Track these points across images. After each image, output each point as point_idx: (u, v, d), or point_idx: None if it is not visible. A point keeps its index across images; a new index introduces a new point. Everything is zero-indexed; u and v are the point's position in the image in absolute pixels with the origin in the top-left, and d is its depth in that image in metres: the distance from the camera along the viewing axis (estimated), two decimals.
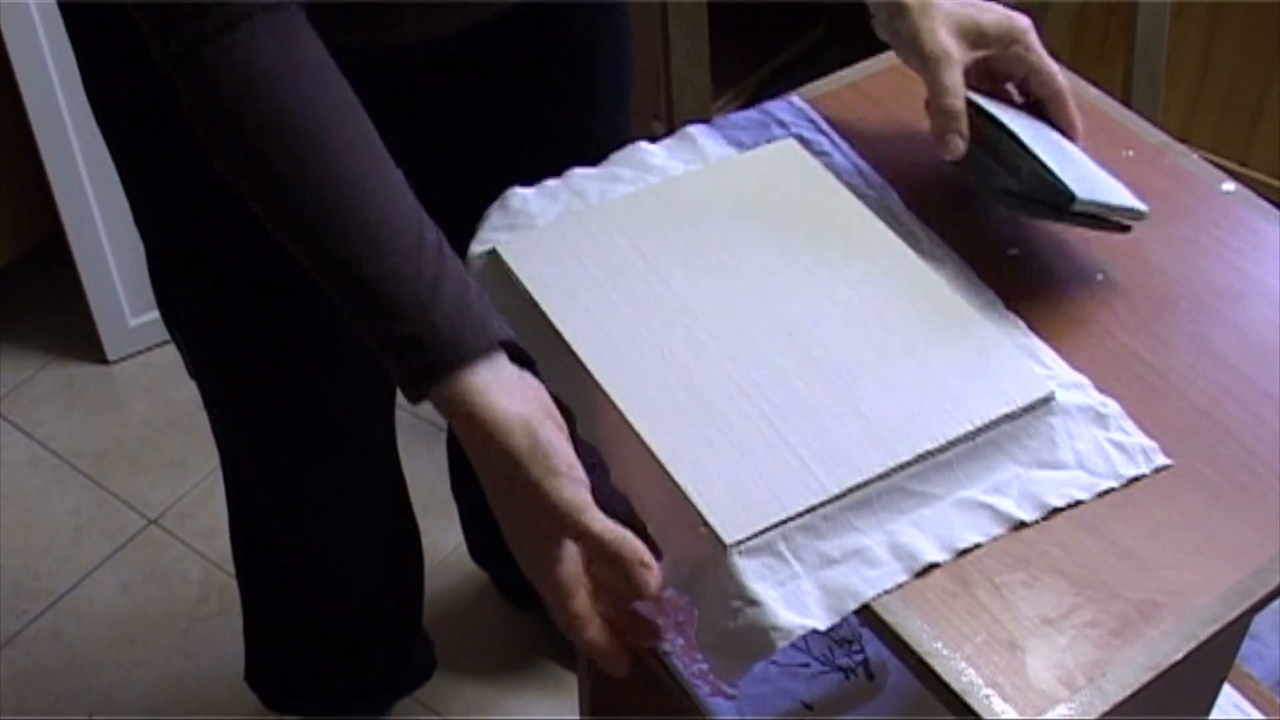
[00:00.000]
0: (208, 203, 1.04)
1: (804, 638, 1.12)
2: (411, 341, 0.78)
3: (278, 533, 1.40)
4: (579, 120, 1.17)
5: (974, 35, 0.94)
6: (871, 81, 1.09)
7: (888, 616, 0.76)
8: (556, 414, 0.80)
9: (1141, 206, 0.93)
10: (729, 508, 0.78)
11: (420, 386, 0.79)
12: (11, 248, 2.11)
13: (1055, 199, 0.90)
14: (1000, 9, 0.95)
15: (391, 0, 0.94)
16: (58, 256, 1.97)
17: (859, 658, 1.12)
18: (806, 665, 1.11)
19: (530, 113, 1.15)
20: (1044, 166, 0.91)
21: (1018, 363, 0.86)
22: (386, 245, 0.78)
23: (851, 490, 0.79)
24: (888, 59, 1.11)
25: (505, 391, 0.78)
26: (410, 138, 0.88)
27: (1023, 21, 0.95)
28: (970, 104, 0.94)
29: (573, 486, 0.77)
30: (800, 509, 0.78)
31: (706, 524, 0.78)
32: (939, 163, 1.01)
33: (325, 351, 1.19)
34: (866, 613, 0.77)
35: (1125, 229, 0.94)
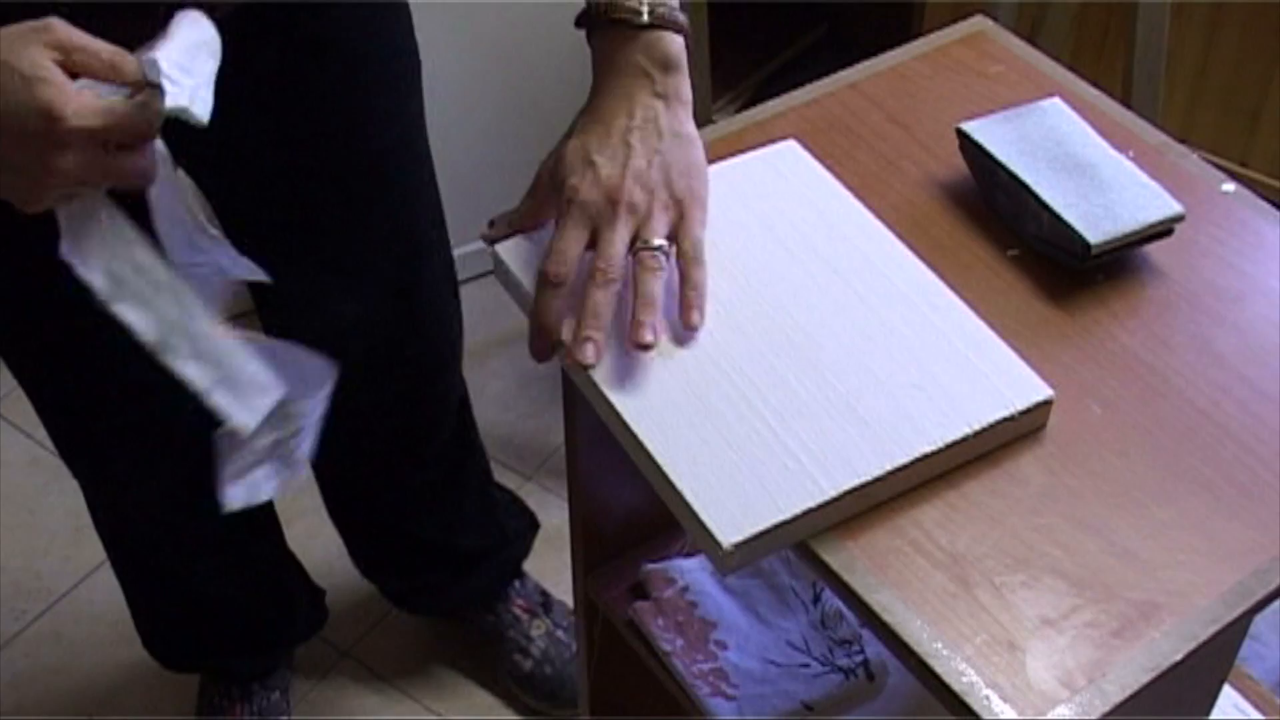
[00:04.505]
0: None
1: (804, 638, 1.13)
2: None
3: (112, 522, 1.43)
4: (348, 120, 1.17)
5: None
6: (871, 81, 1.09)
7: (888, 617, 0.76)
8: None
9: (1173, 211, 0.93)
10: (725, 509, 0.78)
11: None
12: None
13: (1074, 248, 0.91)
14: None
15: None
16: None
17: (859, 658, 1.12)
18: (806, 666, 1.11)
19: (295, 115, 1.14)
20: (1058, 217, 0.92)
21: (1016, 366, 0.86)
22: None
23: (849, 492, 0.79)
24: (888, 59, 1.11)
25: None
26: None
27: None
28: (990, 157, 0.95)
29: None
30: (797, 511, 0.78)
31: (703, 525, 0.78)
32: (939, 163, 1.02)
33: (101, 329, 1.21)
34: (866, 613, 0.77)
35: (1166, 234, 0.94)
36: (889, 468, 0.80)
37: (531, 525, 1.72)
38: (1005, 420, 0.83)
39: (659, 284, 0.84)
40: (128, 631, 1.61)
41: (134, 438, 1.31)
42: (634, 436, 0.82)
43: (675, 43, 0.89)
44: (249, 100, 1.13)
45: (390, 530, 1.58)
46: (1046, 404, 0.84)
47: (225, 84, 1.10)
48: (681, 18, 0.89)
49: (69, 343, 1.19)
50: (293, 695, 1.71)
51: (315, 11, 1.09)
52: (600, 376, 0.85)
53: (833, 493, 0.79)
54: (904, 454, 0.80)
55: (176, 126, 0.83)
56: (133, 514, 1.41)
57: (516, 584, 1.71)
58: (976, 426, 0.82)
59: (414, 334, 1.35)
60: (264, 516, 1.54)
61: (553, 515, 1.83)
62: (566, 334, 0.84)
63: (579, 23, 0.91)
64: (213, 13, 1.03)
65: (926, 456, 0.81)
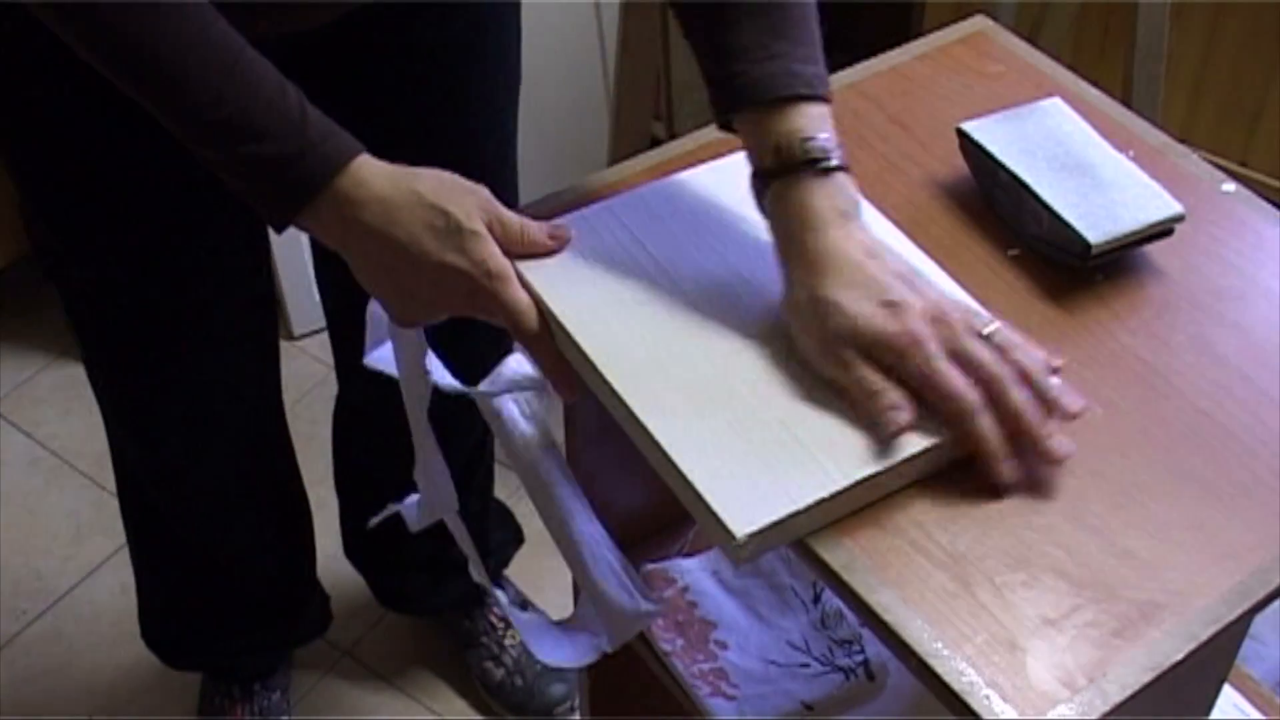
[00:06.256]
0: (82, 172, 1.08)
1: (804, 638, 1.12)
2: (289, 157, 0.84)
3: (155, 498, 1.43)
4: (450, 117, 1.21)
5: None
6: (871, 81, 1.09)
7: (888, 617, 0.76)
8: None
9: (1173, 211, 0.93)
10: (738, 501, 0.78)
11: (301, 197, 0.85)
12: (12, 248, 2.11)
13: (1074, 248, 0.91)
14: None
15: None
16: None
17: (859, 658, 1.12)
18: (806, 665, 1.11)
19: (396, 109, 1.18)
20: (1058, 217, 0.92)
21: None
22: (256, 80, 0.84)
23: (860, 483, 0.79)
24: (888, 59, 1.11)
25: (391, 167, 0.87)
26: None
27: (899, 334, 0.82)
28: (990, 156, 0.95)
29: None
30: (810, 501, 0.78)
31: (716, 517, 0.78)
32: (939, 163, 1.02)
33: (193, 325, 1.23)
34: (866, 613, 0.77)
35: (1167, 234, 0.94)
36: (900, 458, 0.80)
37: (516, 539, 1.73)
38: None
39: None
40: (128, 631, 1.61)
41: (199, 410, 1.32)
42: (645, 430, 0.82)
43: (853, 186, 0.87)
44: (368, 81, 1.15)
45: (391, 527, 1.59)
46: None
47: (344, 69, 1.12)
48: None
49: (153, 327, 1.22)
50: (293, 695, 1.72)
51: (439, 13, 1.14)
52: (611, 371, 0.85)
53: (844, 483, 0.79)
54: (913, 444, 0.80)
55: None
56: (179, 486, 1.41)
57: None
58: None
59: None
60: (300, 507, 1.55)
61: None
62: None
63: (760, 179, 0.88)
64: (335, 11, 1.04)
65: (936, 447, 0.81)
